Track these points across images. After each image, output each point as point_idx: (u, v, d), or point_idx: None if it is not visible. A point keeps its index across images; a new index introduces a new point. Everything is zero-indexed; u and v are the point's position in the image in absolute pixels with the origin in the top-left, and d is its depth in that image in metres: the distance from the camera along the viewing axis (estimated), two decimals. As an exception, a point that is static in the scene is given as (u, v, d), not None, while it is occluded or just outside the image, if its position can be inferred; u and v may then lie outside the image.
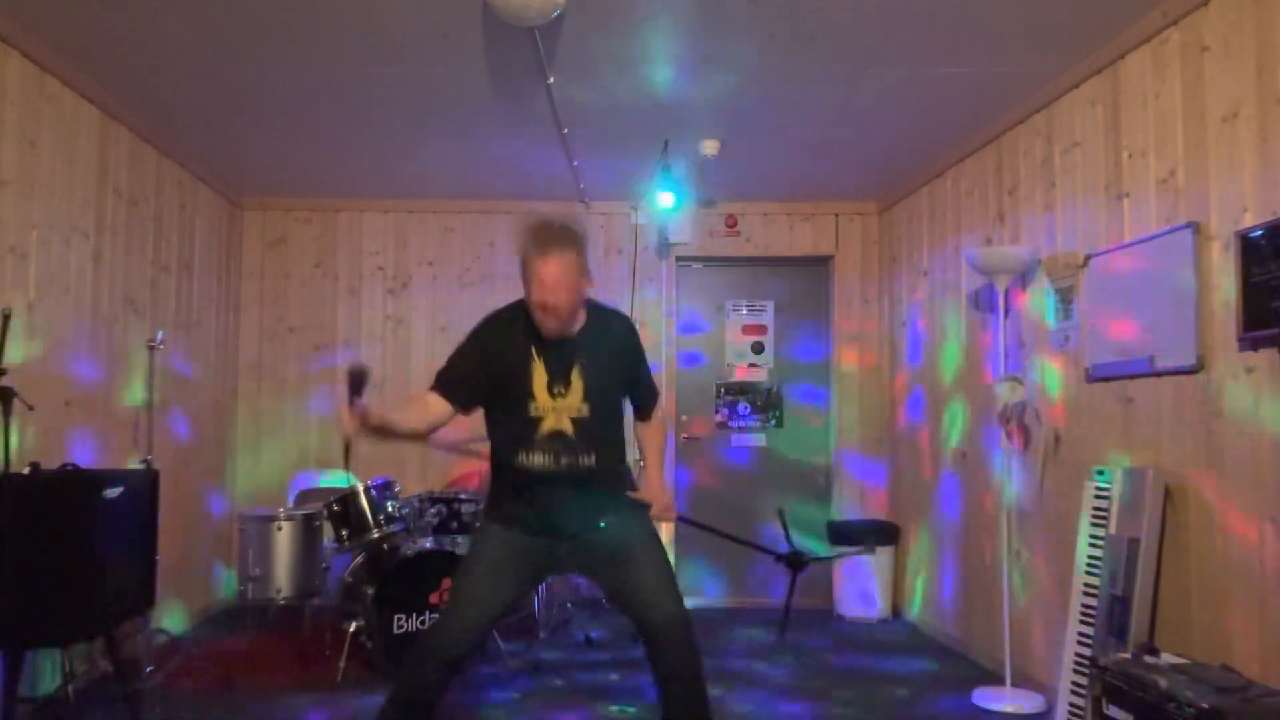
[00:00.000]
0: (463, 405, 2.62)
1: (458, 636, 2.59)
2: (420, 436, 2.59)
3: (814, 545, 5.71)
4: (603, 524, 2.69)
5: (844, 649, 4.81)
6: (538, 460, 2.61)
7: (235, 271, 5.81)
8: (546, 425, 2.61)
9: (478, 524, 2.88)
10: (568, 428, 2.62)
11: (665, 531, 5.84)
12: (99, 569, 3.05)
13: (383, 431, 2.42)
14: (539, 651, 4.53)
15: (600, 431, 2.68)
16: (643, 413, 2.92)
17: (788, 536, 2.93)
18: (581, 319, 2.68)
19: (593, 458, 2.65)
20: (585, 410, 2.63)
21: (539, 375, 2.61)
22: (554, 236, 2.52)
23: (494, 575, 2.64)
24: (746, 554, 5.81)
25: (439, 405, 2.58)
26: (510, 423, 2.64)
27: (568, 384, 2.62)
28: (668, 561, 2.73)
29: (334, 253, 5.94)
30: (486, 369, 2.63)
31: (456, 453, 2.70)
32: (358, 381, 2.35)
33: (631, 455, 2.94)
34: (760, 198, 5.94)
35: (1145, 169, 3.30)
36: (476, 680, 4.10)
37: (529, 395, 2.60)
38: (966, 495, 4.67)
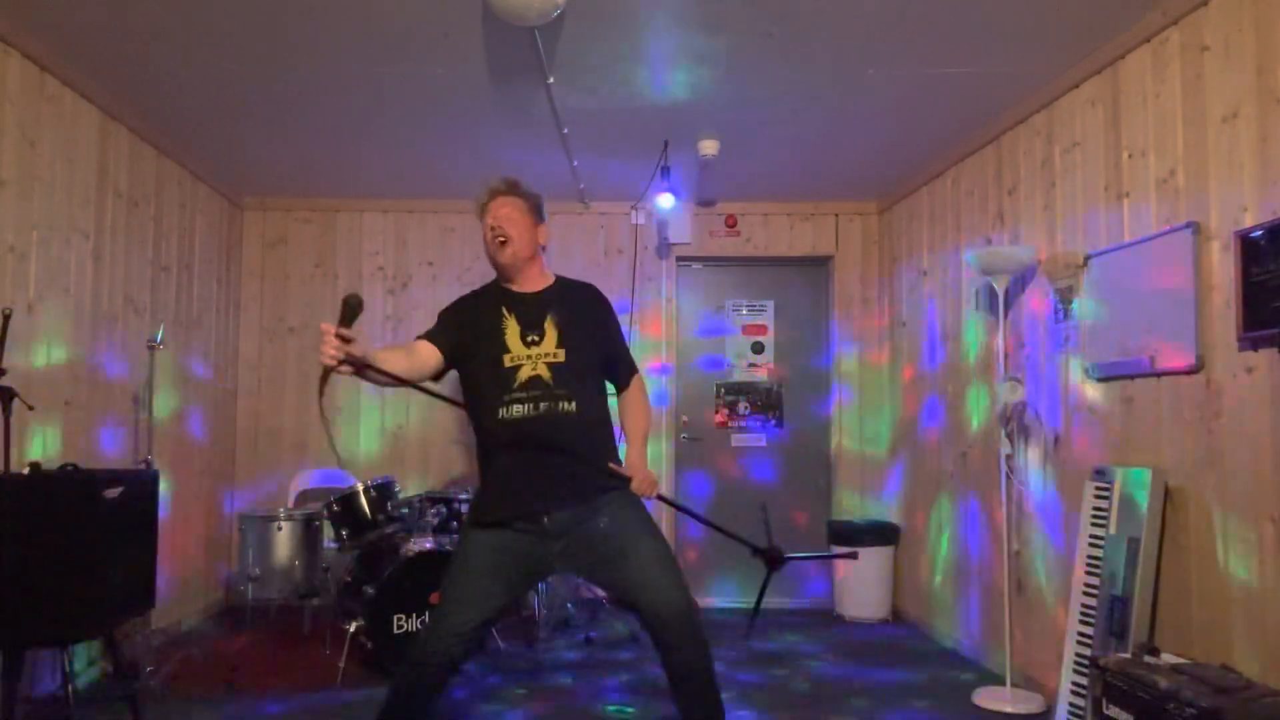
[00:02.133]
0: (445, 353, 2.67)
1: (449, 641, 2.55)
2: (403, 381, 2.50)
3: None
4: (600, 522, 2.64)
5: (844, 649, 4.81)
6: (516, 410, 2.60)
7: (235, 271, 5.81)
8: (523, 373, 2.63)
9: (463, 527, 2.85)
10: (545, 373, 2.64)
11: (666, 529, 5.85)
12: (99, 569, 3.05)
13: (364, 366, 2.34)
14: (539, 651, 4.53)
15: (579, 378, 2.67)
16: (620, 383, 2.90)
17: (768, 533, 2.90)
18: (549, 279, 2.81)
19: (573, 404, 2.63)
20: (561, 355, 2.66)
21: (511, 328, 2.69)
22: (499, 184, 2.76)
23: (482, 579, 2.59)
24: (741, 554, 5.80)
25: (427, 350, 2.65)
26: (487, 379, 2.65)
27: (541, 332, 2.69)
28: (668, 550, 2.66)
29: (334, 253, 5.94)
30: (463, 326, 2.72)
31: (437, 397, 2.63)
32: (351, 311, 2.28)
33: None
34: (760, 198, 5.94)
35: (1145, 169, 3.30)
36: (476, 680, 4.10)
37: (503, 348, 2.66)
38: (966, 496, 4.67)
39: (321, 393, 2.39)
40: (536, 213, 2.79)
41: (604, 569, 2.65)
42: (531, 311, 2.72)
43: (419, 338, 2.70)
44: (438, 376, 2.70)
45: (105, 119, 4.14)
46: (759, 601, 3.05)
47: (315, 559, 4.79)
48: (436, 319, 2.79)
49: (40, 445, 3.59)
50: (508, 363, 2.64)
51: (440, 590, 2.66)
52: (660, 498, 2.77)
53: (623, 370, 2.90)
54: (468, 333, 2.71)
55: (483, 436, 2.71)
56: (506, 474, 2.63)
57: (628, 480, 2.69)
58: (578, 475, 2.62)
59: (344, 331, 2.25)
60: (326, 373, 2.27)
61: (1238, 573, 2.81)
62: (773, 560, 2.81)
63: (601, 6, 3.26)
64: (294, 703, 3.80)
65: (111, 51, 3.65)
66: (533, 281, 2.78)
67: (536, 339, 2.67)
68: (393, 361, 2.49)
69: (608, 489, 2.65)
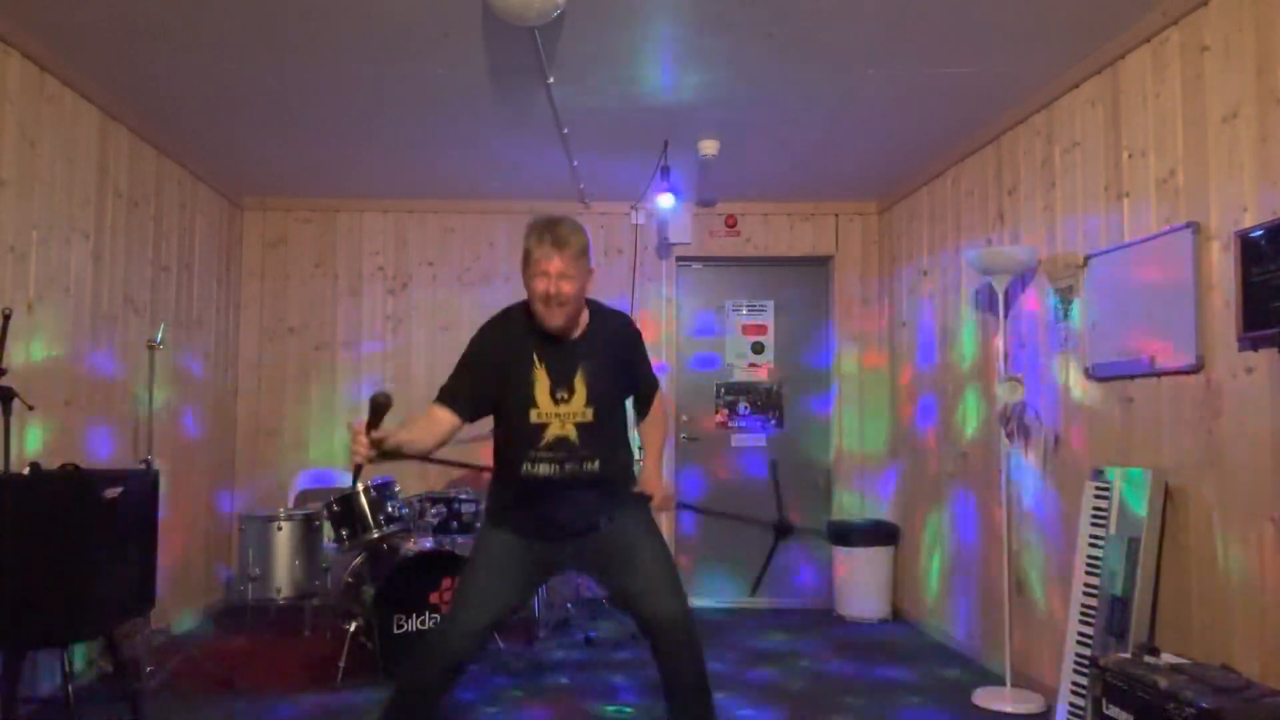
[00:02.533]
0: (468, 417, 2.62)
1: (460, 640, 2.59)
2: (428, 454, 2.56)
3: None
4: (603, 524, 2.68)
5: (844, 649, 4.81)
6: (542, 469, 2.60)
7: (235, 271, 5.81)
8: (550, 432, 2.60)
9: (478, 525, 2.88)
10: (571, 434, 2.61)
11: (665, 529, 5.85)
12: (99, 569, 3.05)
13: (394, 455, 2.41)
14: (539, 651, 4.53)
15: (604, 436, 2.67)
16: (644, 405, 2.90)
17: (780, 503, 2.93)
18: (584, 321, 2.68)
19: (596, 463, 2.64)
20: (589, 415, 2.62)
21: (541, 381, 2.60)
22: (560, 229, 2.54)
23: (497, 580, 2.64)
24: (747, 557, 5.82)
25: (446, 418, 2.57)
26: (513, 430, 2.63)
27: (571, 390, 2.61)
28: (670, 558, 2.73)
29: (334, 253, 5.94)
30: (489, 378, 2.62)
31: (460, 467, 2.68)
32: (379, 410, 2.32)
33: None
34: (760, 198, 5.94)
35: (1145, 169, 3.30)
36: (477, 680, 4.10)
37: (531, 403, 2.59)
38: (967, 496, 4.66)
39: (355, 482, 2.50)
40: (588, 259, 2.61)
41: (608, 572, 2.71)
42: (564, 364, 2.62)
43: (437, 400, 2.60)
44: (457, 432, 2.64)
45: (105, 119, 4.14)
46: (765, 567, 3.10)
47: (315, 559, 4.79)
48: (466, 352, 2.67)
49: (40, 445, 3.59)
50: (534, 418, 2.60)
51: (456, 588, 2.71)
52: (679, 505, 2.83)
53: (646, 390, 2.89)
54: (495, 378, 2.61)
55: (502, 467, 2.70)
56: (523, 506, 2.67)
57: (648, 499, 2.75)
58: (590, 513, 2.67)
59: (375, 435, 2.31)
60: (358, 469, 2.38)
61: (1238, 573, 2.81)
62: (782, 531, 2.88)
63: (601, 6, 3.26)
64: (294, 703, 3.80)
65: (111, 51, 3.65)
66: (569, 327, 2.63)
67: (565, 396, 2.60)
68: (416, 442, 2.50)
69: (615, 509, 2.70)
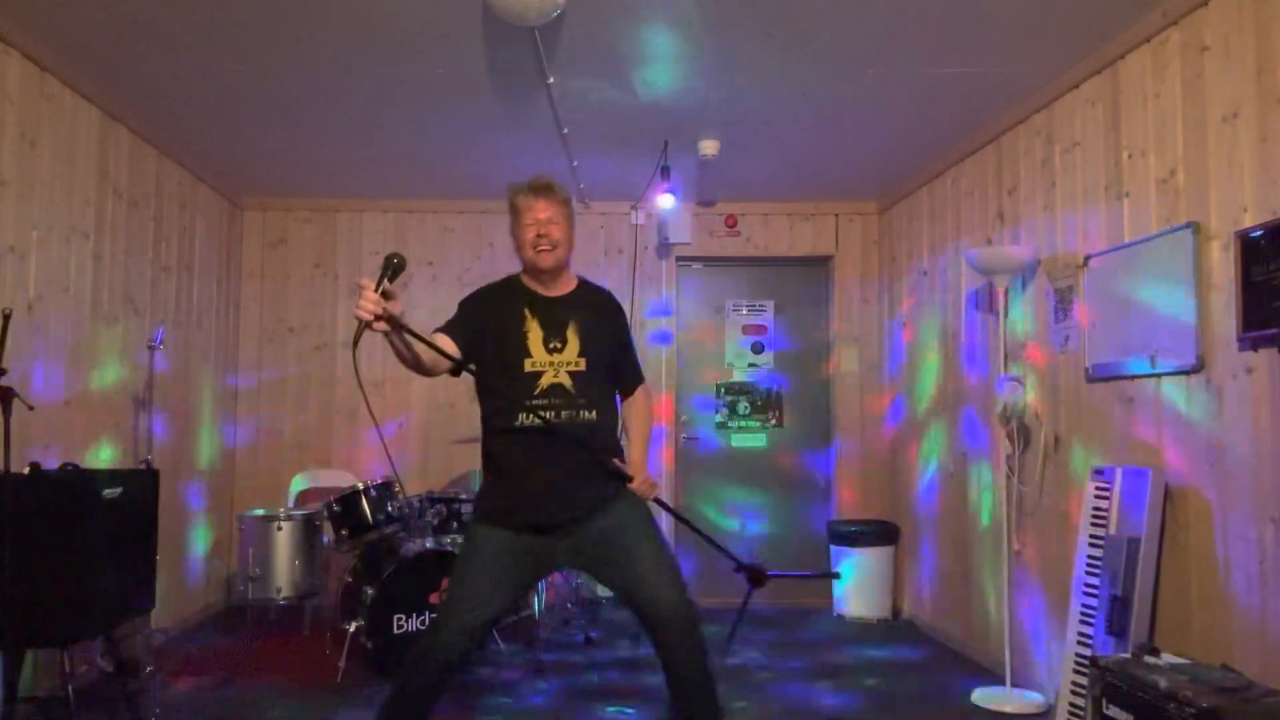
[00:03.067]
0: (462, 348, 2.60)
1: (455, 640, 2.56)
2: (422, 367, 2.50)
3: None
4: (593, 497, 2.64)
5: (844, 649, 4.81)
6: (537, 417, 2.58)
7: (235, 271, 5.81)
8: (545, 380, 2.62)
9: (469, 525, 2.85)
10: (566, 381, 2.64)
11: (664, 519, 5.85)
12: (99, 569, 3.05)
13: (397, 328, 2.31)
14: (539, 651, 4.53)
15: (598, 388, 2.69)
16: (626, 389, 2.90)
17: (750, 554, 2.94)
18: (573, 282, 2.79)
19: (593, 413, 2.65)
20: (582, 364, 2.65)
21: (534, 332, 2.66)
22: (542, 179, 2.68)
23: (488, 579, 2.60)
24: (740, 552, 5.82)
25: (445, 344, 2.57)
26: (506, 384, 2.62)
27: (564, 340, 2.66)
28: (669, 551, 2.71)
29: (334, 253, 5.94)
30: (482, 329, 2.66)
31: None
32: (394, 268, 2.30)
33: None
34: (760, 198, 5.94)
35: (1145, 169, 3.30)
36: (476, 680, 4.10)
37: (525, 353, 2.63)
38: (966, 495, 4.66)
39: (355, 345, 2.31)
40: (572, 215, 2.76)
41: (606, 568, 2.67)
42: (555, 316, 2.69)
43: (437, 330, 2.63)
44: (453, 373, 2.61)
45: (105, 119, 4.14)
46: (739, 617, 3.06)
47: (315, 559, 4.79)
48: (457, 310, 2.73)
49: (40, 445, 3.59)
50: (528, 368, 2.62)
51: (448, 588, 2.67)
52: (658, 501, 2.78)
53: (630, 378, 2.89)
54: (489, 330, 2.67)
55: (494, 436, 2.68)
56: (519, 478, 2.62)
57: (629, 478, 2.69)
58: (590, 485, 2.64)
59: (387, 287, 2.26)
60: (361, 328, 2.23)
61: (1238, 573, 2.81)
62: (756, 578, 2.82)
63: (601, 6, 3.26)
64: (294, 703, 3.80)
65: (111, 51, 3.65)
66: (559, 285, 2.75)
67: (559, 346, 2.65)
68: (418, 339, 2.44)
69: (614, 495, 2.67)
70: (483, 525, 2.68)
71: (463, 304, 2.75)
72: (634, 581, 2.61)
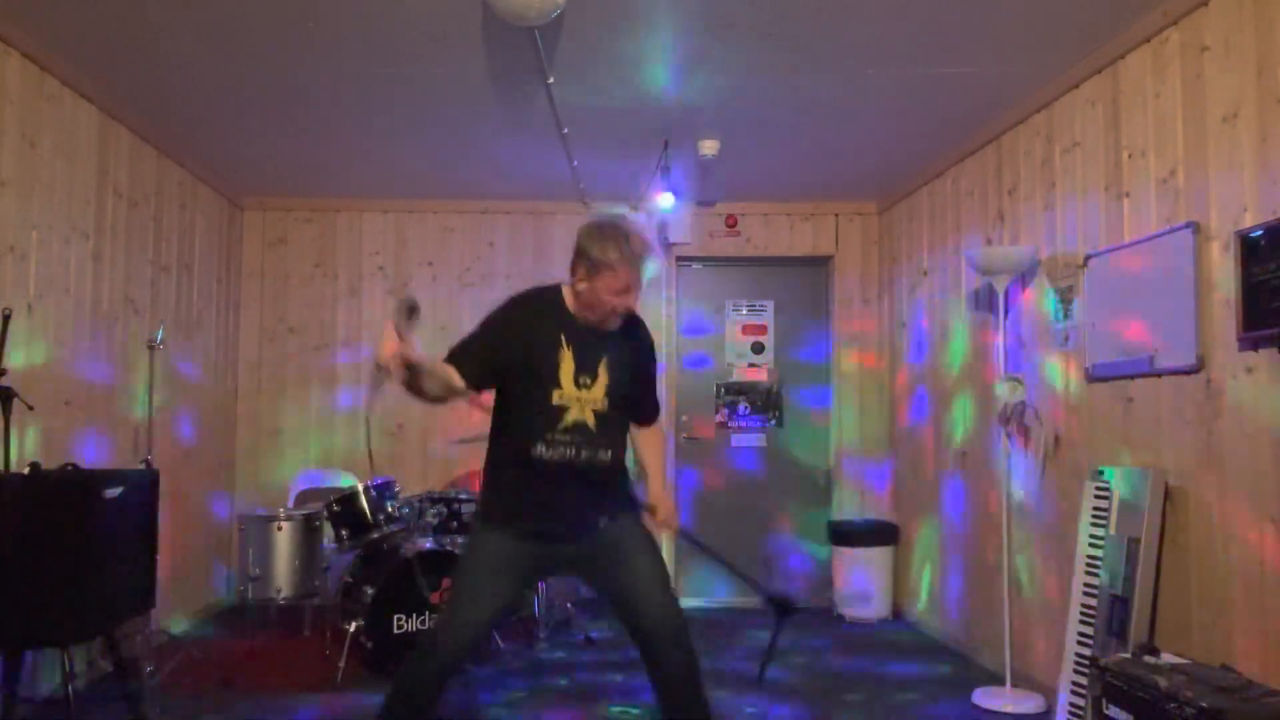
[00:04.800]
0: (470, 381, 2.51)
1: (457, 640, 2.58)
2: (440, 399, 2.50)
3: (815, 548, 5.73)
4: (601, 523, 2.66)
5: (844, 649, 4.81)
6: (556, 452, 2.55)
7: (235, 271, 5.80)
8: (570, 416, 2.56)
9: (472, 526, 2.85)
10: (590, 420, 2.58)
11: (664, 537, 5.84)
12: (99, 569, 3.05)
13: (415, 372, 2.32)
14: (539, 651, 4.53)
15: (617, 428, 2.67)
16: (643, 421, 2.88)
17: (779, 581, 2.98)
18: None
19: (609, 454, 2.63)
20: (605, 405, 2.60)
21: (567, 364, 2.57)
22: (635, 242, 2.51)
23: (491, 582, 2.61)
24: (742, 554, 5.82)
25: (455, 378, 2.49)
26: (530, 410, 2.56)
27: (594, 376, 2.59)
28: (662, 563, 2.71)
29: (334, 253, 5.94)
30: (508, 349, 2.56)
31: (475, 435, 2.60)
32: (410, 311, 2.28)
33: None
34: (760, 198, 5.94)
35: (1145, 169, 3.30)
36: (476, 680, 4.10)
37: (555, 384, 2.55)
38: (967, 495, 4.66)
39: (374, 392, 2.35)
40: None
41: (600, 575, 2.71)
42: (590, 350, 2.60)
43: (447, 359, 2.53)
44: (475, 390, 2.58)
45: (105, 119, 4.14)
46: (771, 649, 3.08)
47: (315, 559, 4.78)
48: (479, 332, 2.61)
49: (40, 445, 3.59)
50: (556, 399, 2.55)
51: (451, 589, 2.68)
52: (686, 535, 2.81)
53: (649, 411, 2.88)
54: (522, 346, 2.56)
55: (507, 454, 2.63)
56: (529, 501, 2.61)
57: (649, 509, 2.75)
58: (596, 513, 2.66)
59: (402, 329, 2.26)
60: (380, 376, 2.27)
61: (1238, 573, 2.81)
62: (783, 609, 2.87)
63: (601, 6, 3.26)
64: (294, 703, 3.80)
65: (111, 51, 3.65)
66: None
67: (588, 382, 2.58)
68: (435, 373, 2.42)
69: (613, 511, 2.68)
70: (485, 529, 2.68)
71: (499, 313, 2.63)
72: (626, 590, 2.64)
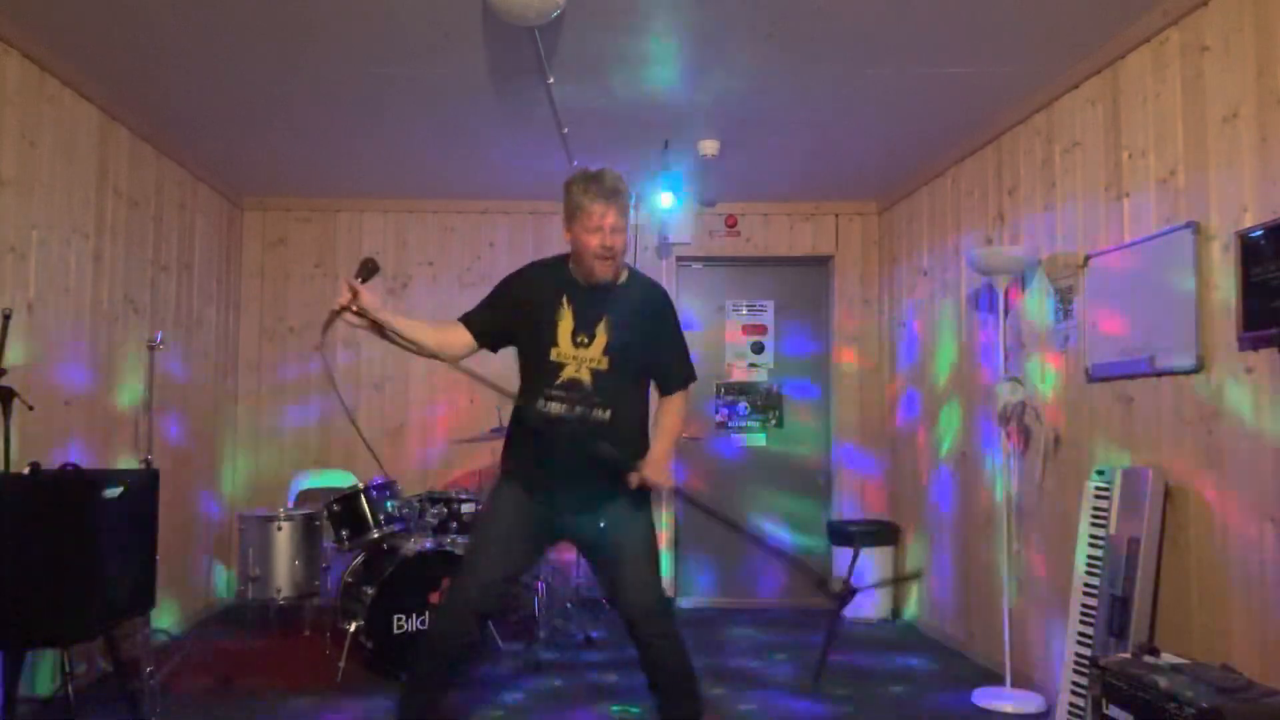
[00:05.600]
0: (485, 342, 2.72)
1: (479, 592, 2.66)
2: (427, 352, 2.67)
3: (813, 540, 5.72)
4: (603, 497, 2.71)
5: (844, 649, 4.80)
6: (554, 407, 2.65)
7: (235, 271, 5.80)
8: (566, 373, 2.65)
9: (495, 480, 2.96)
10: (586, 377, 2.66)
11: (665, 519, 5.85)
12: (99, 569, 3.05)
13: (375, 324, 2.51)
14: (539, 651, 4.53)
15: (618, 389, 2.69)
16: (665, 387, 2.87)
17: (851, 570, 2.97)
18: (621, 275, 2.76)
19: (608, 413, 2.66)
20: (605, 363, 2.66)
21: (565, 323, 2.67)
22: (609, 179, 2.64)
23: (509, 531, 2.71)
24: (742, 554, 5.83)
25: (461, 335, 2.70)
26: (533, 367, 2.70)
27: (592, 335, 2.67)
28: (657, 554, 2.79)
29: (334, 253, 5.94)
30: (512, 312, 2.72)
31: (478, 380, 2.75)
32: (367, 269, 2.51)
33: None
34: (760, 198, 5.94)
35: (1145, 169, 3.30)
36: (477, 680, 4.10)
37: (553, 341, 2.66)
38: (966, 495, 4.67)
39: (324, 332, 2.56)
40: (630, 207, 2.74)
41: (595, 559, 2.82)
42: (590, 309, 2.68)
43: (461, 317, 2.74)
44: (468, 354, 2.75)
45: (105, 119, 4.14)
46: (828, 648, 3.10)
47: (315, 559, 4.78)
48: (492, 291, 2.80)
49: (40, 445, 3.59)
50: (554, 357, 2.66)
51: (472, 536, 2.81)
52: (686, 497, 3.02)
53: (673, 379, 2.87)
54: (522, 314, 2.71)
55: (520, 413, 2.77)
56: (535, 457, 2.73)
57: (647, 494, 2.79)
58: (590, 481, 2.69)
59: (351, 280, 2.45)
60: (332, 316, 2.48)
61: (1238, 573, 2.81)
62: (844, 596, 2.93)
63: (601, 6, 3.26)
64: (294, 703, 3.80)
65: (111, 51, 3.65)
66: (599, 281, 2.71)
67: (586, 340, 2.67)
68: (413, 328, 2.61)
69: (617, 495, 2.72)
70: (502, 482, 2.82)
71: (502, 282, 2.80)
72: (618, 579, 2.72)
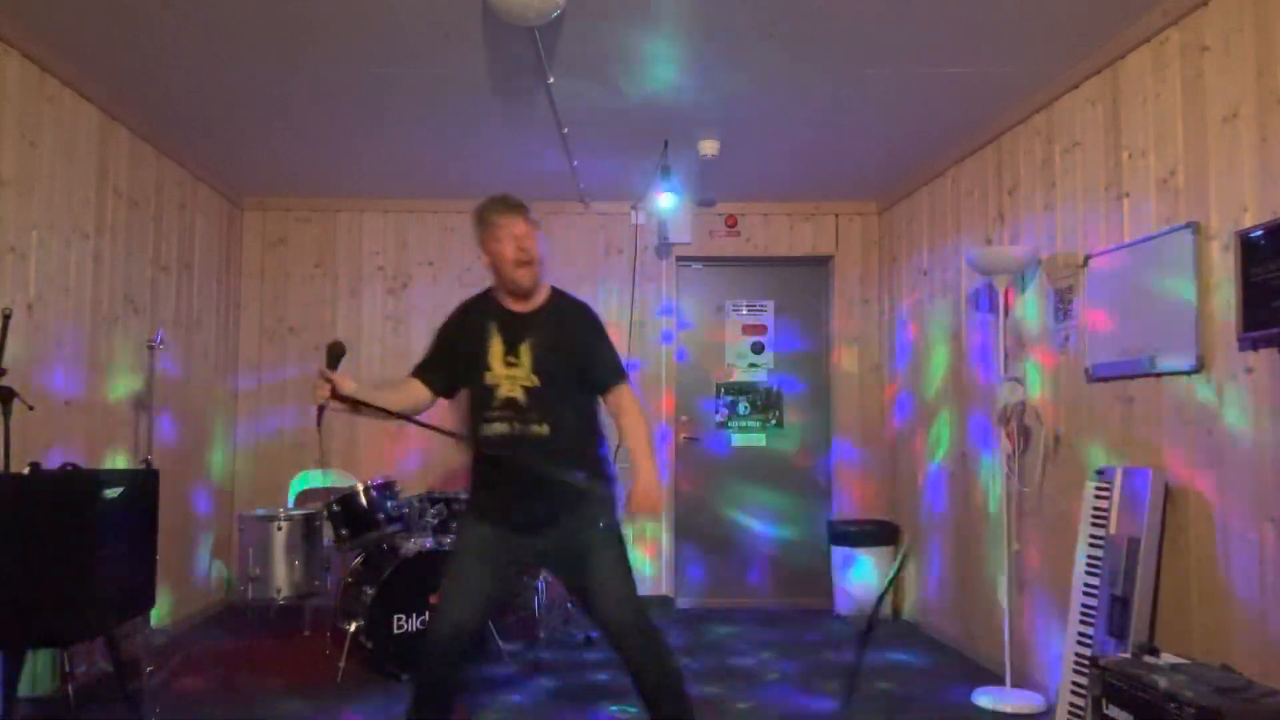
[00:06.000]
0: (439, 389, 2.82)
1: (451, 631, 2.66)
2: (402, 416, 2.76)
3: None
4: (564, 514, 2.71)
5: (844, 649, 4.81)
6: (495, 429, 2.71)
7: (235, 271, 5.80)
8: (501, 393, 2.72)
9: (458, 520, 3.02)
10: (520, 396, 2.72)
11: (665, 524, 5.85)
12: (99, 569, 3.05)
13: (355, 404, 2.60)
14: (539, 651, 4.53)
15: (554, 403, 2.73)
16: (603, 389, 2.87)
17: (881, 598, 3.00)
18: (543, 297, 2.84)
19: (545, 427, 2.70)
20: (536, 380, 2.72)
21: (496, 347, 2.75)
22: (517, 203, 2.78)
23: (476, 567, 2.72)
24: (739, 553, 5.83)
25: (419, 389, 2.81)
26: (474, 396, 2.77)
27: (519, 355, 2.75)
28: (627, 562, 2.79)
29: (334, 253, 5.94)
30: (453, 351, 2.82)
31: (425, 427, 2.83)
32: (334, 355, 2.61)
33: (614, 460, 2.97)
34: (760, 198, 5.94)
35: (1145, 169, 3.30)
36: (477, 680, 4.09)
37: (486, 366, 2.74)
38: (966, 495, 4.66)
39: (319, 424, 2.67)
40: (538, 229, 2.85)
41: (568, 573, 2.82)
42: (516, 331, 2.77)
43: (413, 373, 2.84)
44: (432, 405, 2.86)
45: (105, 119, 4.14)
46: (858, 666, 3.11)
47: (315, 559, 4.78)
48: (431, 343, 2.89)
49: (40, 445, 3.59)
50: (488, 380, 2.73)
51: (445, 575, 2.79)
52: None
53: (603, 377, 2.86)
54: (459, 352, 2.81)
55: (469, 447, 2.84)
56: (488, 483, 2.79)
57: (611, 500, 2.79)
58: (547, 497, 2.70)
59: (326, 372, 2.55)
60: (320, 409, 2.60)
61: (1238, 573, 2.81)
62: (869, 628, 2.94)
63: (601, 6, 3.26)
64: (294, 703, 3.80)
65: (111, 51, 3.65)
66: (530, 300, 2.81)
67: (515, 360, 2.74)
68: (384, 398, 2.73)
69: (576, 509, 2.72)
70: (467, 519, 2.89)
71: (437, 335, 2.91)
72: (590, 591, 2.73)
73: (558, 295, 2.89)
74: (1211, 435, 2.94)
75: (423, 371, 2.84)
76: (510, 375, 2.72)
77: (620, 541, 2.78)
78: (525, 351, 2.73)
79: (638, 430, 2.83)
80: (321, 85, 3.99)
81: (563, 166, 5.09)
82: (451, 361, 2.82)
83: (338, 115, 4.37)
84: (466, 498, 2.90)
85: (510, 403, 2.71)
